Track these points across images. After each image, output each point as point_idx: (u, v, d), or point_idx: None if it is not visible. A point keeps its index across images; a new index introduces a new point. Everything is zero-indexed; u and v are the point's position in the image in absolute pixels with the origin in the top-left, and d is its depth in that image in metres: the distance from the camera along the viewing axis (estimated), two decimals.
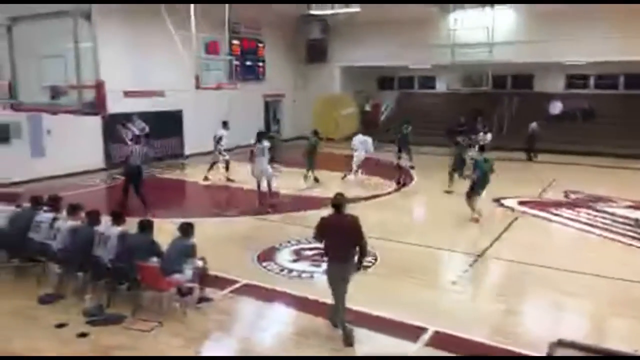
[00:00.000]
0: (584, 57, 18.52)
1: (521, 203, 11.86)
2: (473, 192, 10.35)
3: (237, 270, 7.43)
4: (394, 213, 11.59)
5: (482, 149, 11.47)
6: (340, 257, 5.58)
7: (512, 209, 11.41)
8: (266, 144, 11.42)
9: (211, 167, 14.41)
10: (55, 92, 6.60)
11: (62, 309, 6.20)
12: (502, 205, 11.75)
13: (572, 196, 12.53)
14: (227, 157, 14.27)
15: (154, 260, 6.17)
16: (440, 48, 19.32)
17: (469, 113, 20.31)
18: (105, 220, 6.88)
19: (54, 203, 7.29)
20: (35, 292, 6.57)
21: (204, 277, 6.35)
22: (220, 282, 6.89)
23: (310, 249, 8.28)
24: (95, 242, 6.40)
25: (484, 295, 7.20)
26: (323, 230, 5.66)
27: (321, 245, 5.85)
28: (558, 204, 11.76)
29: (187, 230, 6.35)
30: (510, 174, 15.14)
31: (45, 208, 7.20)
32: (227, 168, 14.31)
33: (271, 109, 22.93)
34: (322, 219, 5.71)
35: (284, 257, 8.21)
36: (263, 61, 21.49)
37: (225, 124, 14.55)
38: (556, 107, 20.75)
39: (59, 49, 6.82)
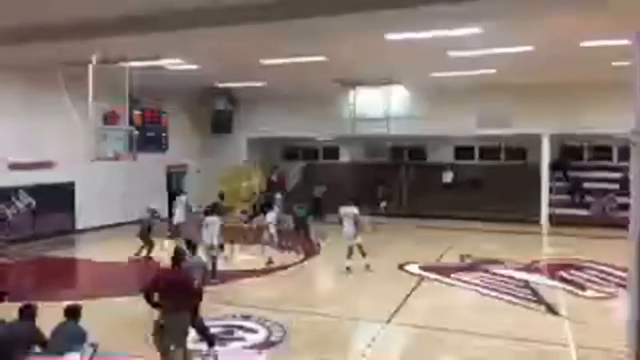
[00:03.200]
0: (467, 132, 20.45)
1: (422, 268, 12.43)
2: None
3: (133, 349, 6.91)
4: (299, 284, 11.59)
5: None
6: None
7: (415, 274, 11.91)
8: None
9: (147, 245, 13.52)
10: None
11: None
12: (405, 270, 12.24)
13: (467, 260, 13.35)
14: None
15: (37, 350, 5.60)
16: (342, 121, 20.39)
17: (371, 182, 21.42)
18: None
19: None
20: None
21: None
22: None
23: (217, 326, 7.99)
24: None
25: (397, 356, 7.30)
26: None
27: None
28: (456, 268, 12.45)
29: (74, 312, 5.92)
30: (410, 241, 15.96)
31: None
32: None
33: (174, 179, 22.42)
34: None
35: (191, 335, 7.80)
36: (166, 131, 21.22)
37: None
38: (448, 176, 22.41)
39: None
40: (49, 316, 6.09)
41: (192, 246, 8.62)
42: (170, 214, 16.22)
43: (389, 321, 8.63)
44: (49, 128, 15.59)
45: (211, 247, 11.00)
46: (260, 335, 7.98)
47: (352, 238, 12.10)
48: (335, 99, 20.84)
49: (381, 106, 19.74)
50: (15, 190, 14.84)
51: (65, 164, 16.06)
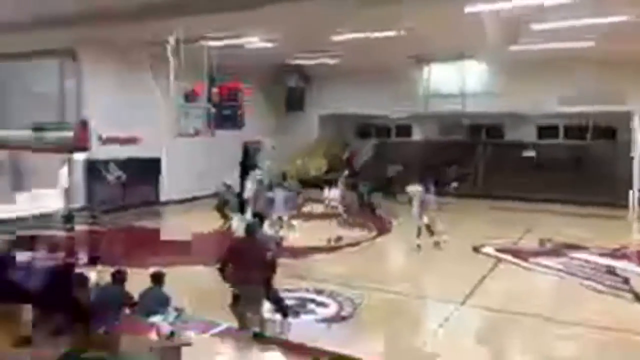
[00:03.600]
0: (549, 109, 19.32)
1: (499, 250, 12.03)
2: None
3: (220, 314, 7.28)
4: (369, 261, 11.60)
5: None
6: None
7: (491, 256, 11.58)
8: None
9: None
10: (39, 128, 6.60)
11: (37, 352, 5.92)
12: (480, 252, 11.91)
13: (548, 244, 12.77)
14: None
15: (126, 312, 6.04)
16: (415, 98, 19.95)
17: (444, 161, 20.90)
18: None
19: (33, 242, 7.12)
20: (11, 334, 6.28)
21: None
22: (202, 326, 6.73)
23: (290, 298, 8.19)
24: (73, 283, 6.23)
25: (467, 344, 7.19)
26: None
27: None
28: (535, 252, 11.95)
29: (159, 278, 6.29)
30: (486, 222, 15.48)
31: (23, 247, 7.03)
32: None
33: (249, 155, 23.01)
34: None
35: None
36: (242, 108, 21.68)
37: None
38: (529, 155, 21.38)
39: (45, 87, 6.86)
40: (137, 281, 6.53)
41: (260, 220, 8.86)
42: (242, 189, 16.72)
43: (463, 303, 8.47)
44: (137, 105, 16.45)
45: (276, 222, 11.21)
46: (332, 310, 8.12)
47: (417, 217, 11.92)
48: (408, 75, 20.39)
49: (456, 82, 19.11)
50: (105, 163, 15.85)
51: (152, 140, 16.99)
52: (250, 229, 7.12)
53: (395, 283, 9.67)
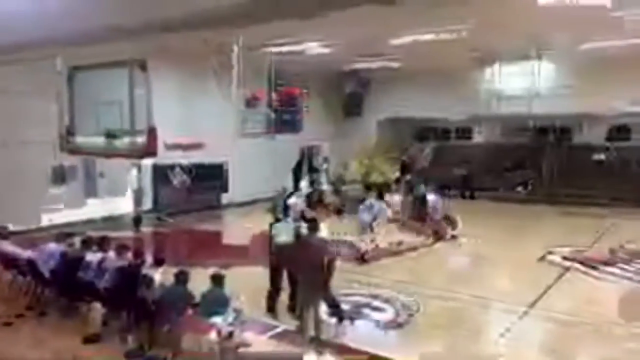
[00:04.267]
0: (624, 108, 18.21)
1: (567, 258, 11.46)
2: None
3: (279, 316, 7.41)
4: (428, 266, 11.41)
5: None
6: None
7: (557, 264, 11.07)
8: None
9: None
10: (111, 135, 6.97)
11: (106, 349, 6.27)
12: (547, 259, 11.42)
13: (621, 252, 12.03)
14: None
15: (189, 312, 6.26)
16: (477, 100, 19.43)
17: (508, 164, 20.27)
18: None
19: (103, 243, 7.51)
20: (80, 331, 6.68)
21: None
22: (260, 327, 6.86)
23: (347, 302, 8.18)
24: (140, 283, 6.54)
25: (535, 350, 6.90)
26: None
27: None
28: (607, 260, 11.30)
29: (219, 279, 6.46)
30: (554, 228, 14.80)
31: (94, 248, 7.43)
32: None
33: (306, 160, 23.30)
34: None
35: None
36: (301, 113, 21.98)
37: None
38: (601, 158, 20.29)
39: (115, 96, 7.24)
40: (198, 281, 6.75)
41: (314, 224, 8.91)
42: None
43: (526, 312, 8.15)
44: (201, 112, 17.05)
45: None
46: (388, 315, 8.04)
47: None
48: (469, 76, 19.88)
49: (521, 83, 18.43)
50: (171, 168, 16.50)
51: (215, 146, 17.49)
52: (297, 233, 7.21)
53: (456, 289, 9.42)
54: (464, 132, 24.58)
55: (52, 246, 7.82)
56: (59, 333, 6.76)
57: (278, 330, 7.00)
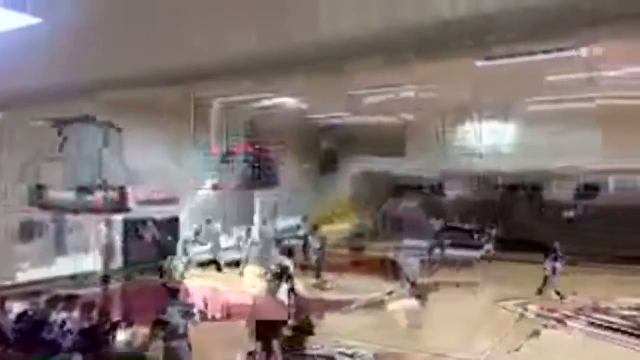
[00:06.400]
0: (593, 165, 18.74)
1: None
2: None
3: None
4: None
5: None
6: None
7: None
8: None
9: None
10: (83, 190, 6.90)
11: None
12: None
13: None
14: None
15: None
16: (446, 156, 19.91)
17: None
18: None
19: (69, 303, 7.24)
20: None
21: None
22: None
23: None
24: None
25: None
26: None
27: None
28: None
29: None
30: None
31: (59, 307, 7.15)
32: None
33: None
34: None
35: None
36: (277, 168, 22.07)
37: None
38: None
39: (88, 150, 7.21)
40: None
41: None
42: None
43: None
44: (177, 167, 16.89)
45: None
46: None
47: None
48: (437, 132, 20.36)
49: (488, 140, 19.13)
50: (143, 223, 16.15)
51: (188, 201, 17.20)
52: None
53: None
54: (440, 188, 24.81)
55: (16, 306, 7.50)
56: None
57: None
